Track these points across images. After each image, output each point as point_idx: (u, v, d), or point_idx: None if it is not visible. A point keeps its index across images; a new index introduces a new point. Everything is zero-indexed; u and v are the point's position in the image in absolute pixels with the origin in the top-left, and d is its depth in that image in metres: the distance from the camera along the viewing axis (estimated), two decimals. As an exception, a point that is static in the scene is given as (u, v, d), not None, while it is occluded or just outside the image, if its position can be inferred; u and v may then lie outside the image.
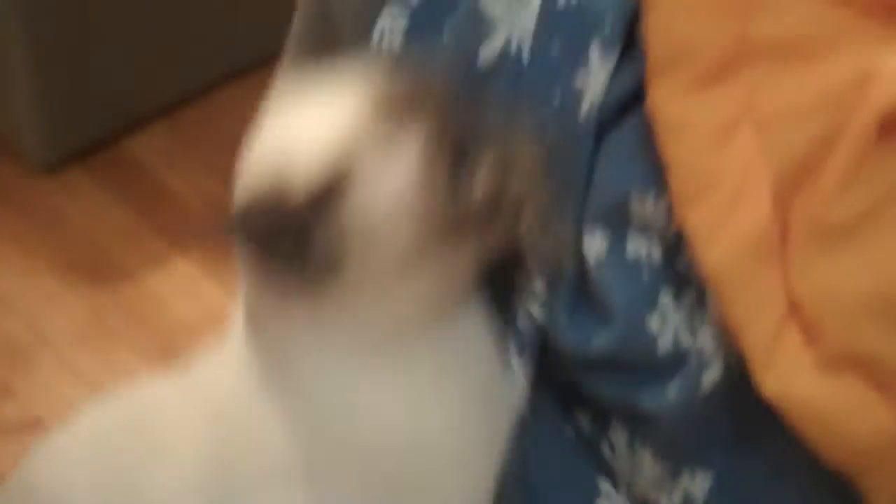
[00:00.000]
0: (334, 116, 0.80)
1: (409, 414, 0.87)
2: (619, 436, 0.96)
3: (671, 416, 0.86)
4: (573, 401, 1.01)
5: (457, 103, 0.81)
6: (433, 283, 0.82)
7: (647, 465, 0.93)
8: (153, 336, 1.76)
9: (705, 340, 0.81)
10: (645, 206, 0.83)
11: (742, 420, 0.84)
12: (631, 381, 0.88)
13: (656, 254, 0.84)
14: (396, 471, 0.89)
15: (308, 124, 0.81)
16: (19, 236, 1.95)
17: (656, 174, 0.82)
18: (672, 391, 0.84)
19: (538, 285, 0.88)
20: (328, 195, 0.76)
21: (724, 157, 0.78)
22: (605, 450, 0.99)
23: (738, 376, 0.81)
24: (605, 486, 1.02)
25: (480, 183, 0.79)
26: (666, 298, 0.84)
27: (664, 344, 0.85)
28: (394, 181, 0.76)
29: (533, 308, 0.89)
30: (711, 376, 0.81)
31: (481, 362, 0.92)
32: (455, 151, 0.78)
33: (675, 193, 0.80)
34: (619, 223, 0.84)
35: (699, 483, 0.91)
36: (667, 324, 0.84)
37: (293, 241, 0.75)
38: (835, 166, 0.74)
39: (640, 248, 0.84)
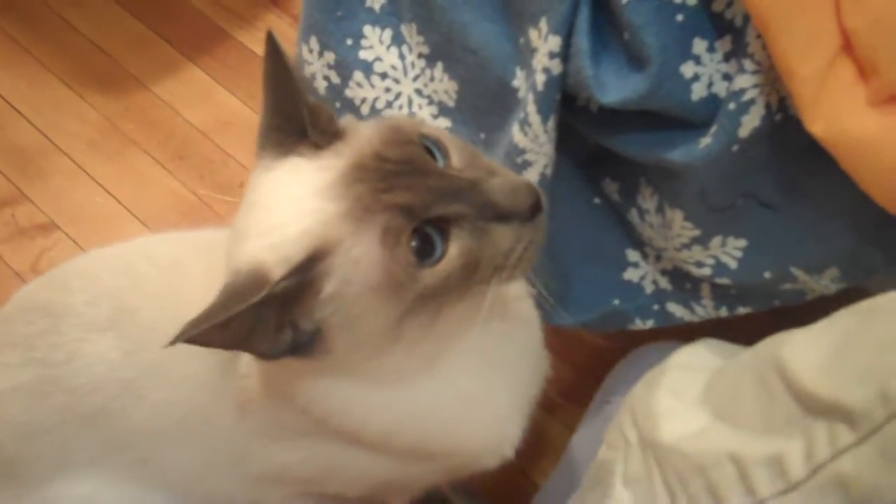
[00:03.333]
0: (309, 190, 0.75)
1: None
2: (648, 200, 0.93)
3: (704, 169, 0.82)
4: (601, 171, 0.98)
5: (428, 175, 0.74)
6: (422, 340, 0.77)
7: (678, 228, 0.89)
8: (166, 142, 1.72)
9: (745, 84, 0.76)
10: None
11: (783, 171, 0.81)
12: (663, 133, 0.84)
13: None
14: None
15: (283, 203, 0.75)
16: (29, 47, 1.90)
17: None
18: (706, 139, 0.80)
19: (548, 39, 0.83)
20: (307, 268, 0.71)
21: None
22: (634, 217, 0.95)
23: (780, 123, 0.77)
24: (633, 256, 1.00)
25: (456, 250, 0.73)
26: (700, 44, 0.80)
27: (698, 89, 0.80)
28: (363, 255, 0.72)
29: (544, 62, 0.84)
30: (751, 123, 0.77)
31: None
32: (422, 223, 0.73)
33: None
34: None
35: (732, 247, 0.88)
36: (701, 68, 0.80)
37: (277, 325, 0.72)
38: None
39: None
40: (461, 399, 0.86)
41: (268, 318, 0.70)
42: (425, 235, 0.73)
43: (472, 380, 0.86)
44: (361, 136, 0.78)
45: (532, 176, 0.90)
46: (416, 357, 0.79)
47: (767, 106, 0.76)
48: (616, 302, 1.00)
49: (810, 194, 0.81)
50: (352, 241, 0.72)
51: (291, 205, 0.74)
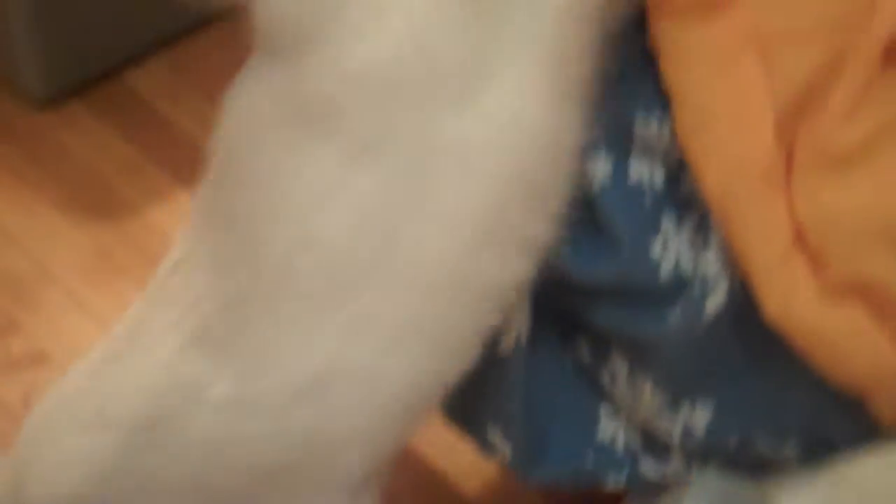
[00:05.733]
0: None
1: None
2: (619, 366, 0.96)
3: (672, 343, 0.86)
4: (573, 330, 1.01)
5: None
6: None
7: (648, 395, 0.93)
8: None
9: (709, 265, 0.81)
10: (649, 129, 0.82)
11: (747, 343, 0.85)
12: (632, 308, 0.88)
13: (659, 177, 0.83)
14: None
15: None
16: (22, 171, 1.92)
17: (662, 97, 0.81)
18: (673, 317, 0.84)
19: None
20: None
21: (727, 85, 0.77)
22: (606, 379, 0.99)
23: (743, 300, 0.81)
24: (606, 412, 1.03)
25: None
26: (668, 223, 0.84)
27: (666, 269, 0.84)
28: None
29: None
30: (716, 301, 0.81)
31: None
32: None
33: (679, 122, 0.79)
34: (623, 146, 0.84)
35: (699, 414, 0.92)
36: (669, 249, 0.84)
37: None
38: (840, 92, 0.73)
39: (643, 171, 0.83)
40: None
41: None
42: None
43: None
44: None
45: (508, 342, 0.94)
46: None
47: (732, 283, 0.81)
48: (588, 459, 1.02)
49: (772, 366, 0.85)
50: None
51: None
